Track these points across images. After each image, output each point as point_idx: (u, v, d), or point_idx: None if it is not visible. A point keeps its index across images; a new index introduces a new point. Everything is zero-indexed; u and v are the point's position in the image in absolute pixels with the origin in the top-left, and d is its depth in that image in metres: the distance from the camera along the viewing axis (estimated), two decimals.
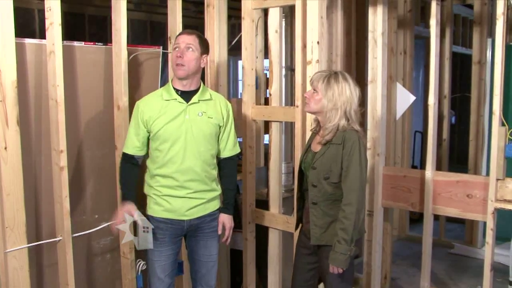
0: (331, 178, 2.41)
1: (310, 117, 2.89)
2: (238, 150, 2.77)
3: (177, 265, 2.92)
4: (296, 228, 2.75)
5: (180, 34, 2.57)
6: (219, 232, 2.70)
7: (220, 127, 2.62)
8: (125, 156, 2.59)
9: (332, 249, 2.37)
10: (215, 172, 2.65)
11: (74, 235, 2.67)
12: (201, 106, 2.55)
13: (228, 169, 2.74)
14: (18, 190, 2.37)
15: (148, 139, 2.55)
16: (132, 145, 2.55)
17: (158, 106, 2.50)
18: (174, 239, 2.59)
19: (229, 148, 2.70)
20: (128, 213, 2.50)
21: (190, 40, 2.48)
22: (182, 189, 2.51)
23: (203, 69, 3.42)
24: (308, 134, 2.82)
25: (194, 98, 2.53)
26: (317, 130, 2.58)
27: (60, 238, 2.61)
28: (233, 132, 2.71)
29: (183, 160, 2.48)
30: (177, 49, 2.49)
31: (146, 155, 2.60)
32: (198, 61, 2.52)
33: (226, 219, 2.71)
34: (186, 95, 2.52)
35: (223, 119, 2.63)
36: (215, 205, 2.67)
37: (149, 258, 2.59)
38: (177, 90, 2.52)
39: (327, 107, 2.40)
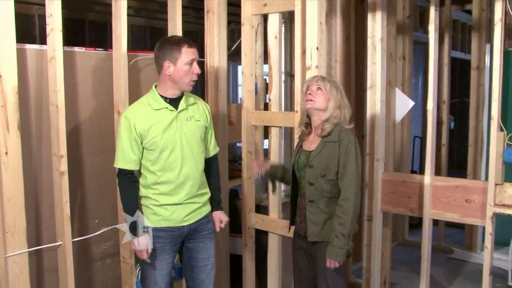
0: (328, 175, 2.49)
1: None
2: (218, 148, 2.83)
3: (176, 271, 2.93)
4: (288, 230, 2.84)
5: (189, 45, 2.46)
6: (218, 229, 2.77)
7: (206, 128, 2.66)
8: (124, 173, 2.51)
9: (330, 243, 2.45)
10: (204, 175, 2.67)
11: (75, 240, 2.68)
12: (188, 111, 2.57)
13: (214, 169, 2.79)
14: (18, 195, 2.38)
15: (143, 151, 2.50)
16: (130, 160, 2.48)
17: (149, 117, 2.46)
18: (174, 246, 2.60)
19: (213, 147, 2.77)
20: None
21: (197, 53, 2.51)
22: (180, 195, 2.52)
23: (203, 74, 3.47)
24: None
25: (182, 104, 2.53)
26: (306, 132, 2.66)
27: (61, 243, 2.61)
28: (213, 131, 2.77)
29: (182, 166, 2.50)
30: (191, 63, 2.45)
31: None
32: None
33: (221, 215, 2.80)
34: (173, 102, 2.52)
35: (207, 120, 2.67)
36: (209, 207, 2.72)
37: (149, 268, 2.55)
38: (165, 98, 2.51)
39: (333, 105, 2.51)
